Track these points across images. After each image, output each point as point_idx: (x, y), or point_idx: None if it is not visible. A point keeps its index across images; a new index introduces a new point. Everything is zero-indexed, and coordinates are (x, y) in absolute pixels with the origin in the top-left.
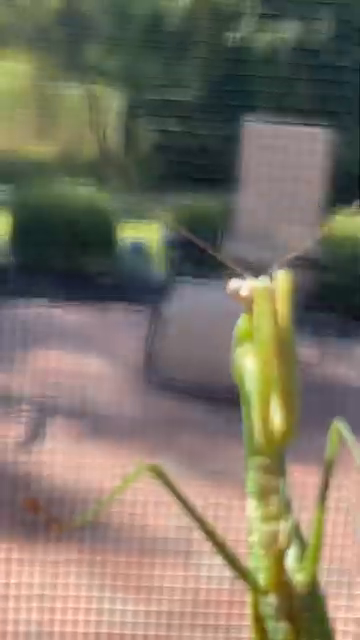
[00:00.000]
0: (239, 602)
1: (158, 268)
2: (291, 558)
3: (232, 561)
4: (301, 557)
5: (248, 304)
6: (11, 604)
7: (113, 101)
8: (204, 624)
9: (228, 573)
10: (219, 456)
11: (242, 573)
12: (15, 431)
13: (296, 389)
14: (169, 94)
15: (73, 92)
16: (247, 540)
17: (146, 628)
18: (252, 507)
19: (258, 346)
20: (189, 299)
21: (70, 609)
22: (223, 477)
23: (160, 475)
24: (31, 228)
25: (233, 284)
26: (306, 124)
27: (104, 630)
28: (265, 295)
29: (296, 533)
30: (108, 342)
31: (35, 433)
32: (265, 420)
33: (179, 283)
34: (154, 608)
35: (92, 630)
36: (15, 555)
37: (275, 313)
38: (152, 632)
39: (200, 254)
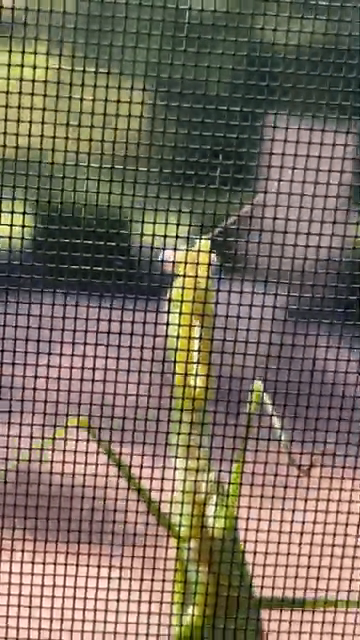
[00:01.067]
0: None
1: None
2: (211, 507)
3: (156, 509)
4: (220, 506)
5: (174, 267)
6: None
7: (136, 96)
8: None
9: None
10: None
11: (165, 520)
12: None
13: (211, 347)
14: (193, 90)
15: (96, 86)
16: (171, 491)
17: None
18: (176, 460)
19: (179, 308)
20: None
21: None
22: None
23: (88, 428)
24: (51, 226)
25: (164, 253)
26: (334, 124)
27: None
28: (185, 261)
29: (217, 484)
30: (126, 344)
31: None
32: (186, 376)
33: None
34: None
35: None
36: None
37: (195, 278)
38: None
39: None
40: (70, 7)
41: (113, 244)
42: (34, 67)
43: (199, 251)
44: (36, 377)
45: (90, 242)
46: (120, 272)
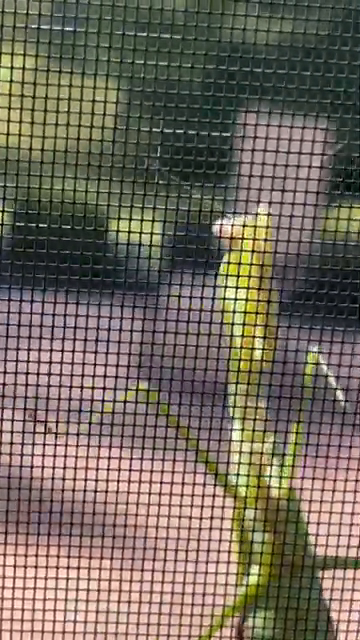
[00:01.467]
0: None
1: (155, 262)
2: (271, 471)
3: (219, 475)
4: (280, 470)
5: (231, 240)
6: None
7: (111, 95)
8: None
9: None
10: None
11: (228, 486)
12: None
13: (275, 316)
14: (167, 88)
15: (72, 85)
16: (232, 458)
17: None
18: (236, 429)
19: (242, 277)
20: (184, 293)
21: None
22: None
23: (150, 395)
24: (28, 223)
25: (219, 223)
26: (306, 120)
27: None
28: (247, 229)
29: (276, 450)
30: (102, 337)
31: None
32: (247, 346)
33: (175, 276)
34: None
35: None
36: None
37: (257, 246)
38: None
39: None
40: (43, 9)
41: (91, 241)
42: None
43: (258, 214)
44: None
45: (68, 239)
46: (98, 269)
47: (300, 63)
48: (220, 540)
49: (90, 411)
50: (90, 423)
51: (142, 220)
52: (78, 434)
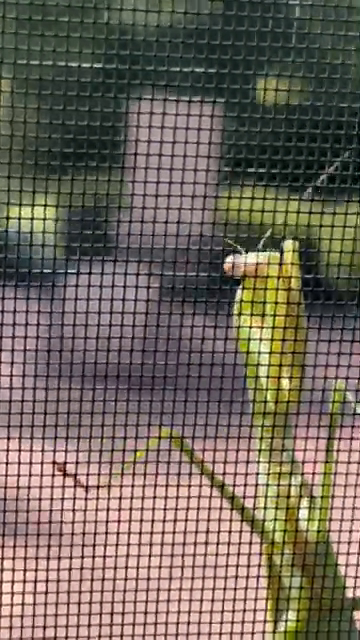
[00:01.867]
0: None
1: (49, 250)
2: (302, 511)
3: (249, 516)
4: (311, 509)
5: (249, 275)
6: None
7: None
8: None
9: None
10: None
11: (258, 527)
12: None
13: (304, 354)
14: (56, 71)
15: None
16: (259, 497)
17: None
18: (263, 466)
19: (269, 314)
20: (82, 280)
21: None
22: None
23: (176, 439)
24: None
25: (232, 257)
26: (197, 100)
27: None
28: (274, 265)
29: (305, 488)
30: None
31: None
32: (274, 384)
33: (72, 264)
34: None
35: None
36: None
37: (284, 281)
38: None
39: (93, 235)
40: None
41: None
42: None
43: (293, 251)
44: None
45: None
46: None
47: (187, 46)
48: (247, 588)
49: (122, 462)
50: (122, 473)
51: (45, 205)
52: (109, 486)
